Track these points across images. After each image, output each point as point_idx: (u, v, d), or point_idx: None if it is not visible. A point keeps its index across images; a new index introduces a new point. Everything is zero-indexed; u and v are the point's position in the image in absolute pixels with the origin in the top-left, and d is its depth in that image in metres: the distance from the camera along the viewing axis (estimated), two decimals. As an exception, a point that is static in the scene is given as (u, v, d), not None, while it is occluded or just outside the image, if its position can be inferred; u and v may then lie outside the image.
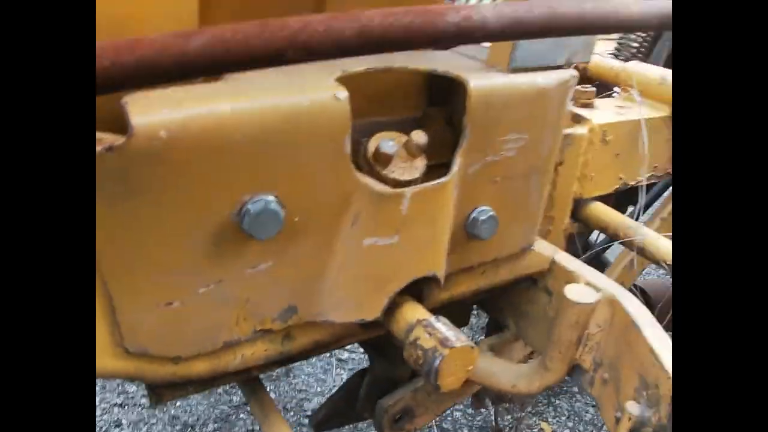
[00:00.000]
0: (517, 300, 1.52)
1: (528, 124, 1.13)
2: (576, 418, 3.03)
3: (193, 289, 0.89)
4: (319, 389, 3.09)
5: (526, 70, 1.11)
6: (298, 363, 3.20)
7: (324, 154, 0.89)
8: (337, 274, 1.00)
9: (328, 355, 3.33)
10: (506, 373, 1.51)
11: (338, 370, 3.23)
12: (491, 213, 1.20)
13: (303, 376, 3.17)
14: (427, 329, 1.04)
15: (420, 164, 1.04)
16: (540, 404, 3.09)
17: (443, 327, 1.05)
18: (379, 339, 1.22)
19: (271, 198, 0.86)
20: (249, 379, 1.33)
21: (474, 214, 1.19)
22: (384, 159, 0.99)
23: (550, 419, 2.99)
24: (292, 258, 0.95)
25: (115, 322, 0.86)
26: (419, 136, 1.01)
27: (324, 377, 3.19)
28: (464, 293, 1.29)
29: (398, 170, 1.01)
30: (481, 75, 1.03)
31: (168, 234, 0.82)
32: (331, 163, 0.90)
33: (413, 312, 1.10)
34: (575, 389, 3.17)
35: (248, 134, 0.81)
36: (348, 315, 1.05)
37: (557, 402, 3.12)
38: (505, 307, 1.57)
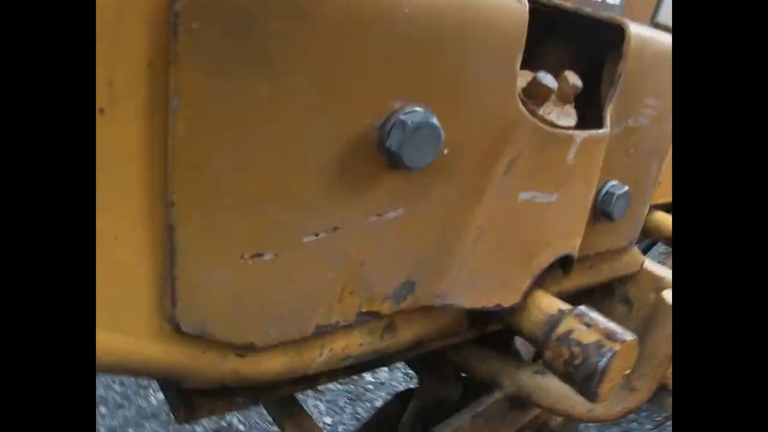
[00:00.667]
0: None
1: (665, 91, 0.92)
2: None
3: (295, 235, 0.57)
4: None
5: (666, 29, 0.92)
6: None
7: (493, 69, 0.63)
8: (476, 240, 0.70)
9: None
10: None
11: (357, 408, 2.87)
12: (626, 189, 0.93)
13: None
14: (583, 320, 0.75)
15: (572, 111, 0.77)
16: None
17: (602, 318, 0.77)
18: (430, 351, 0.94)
19: (428, 111, 0.57)
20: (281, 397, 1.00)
21: (608, 188, 0.92)
22: (543, 94, 0.71)
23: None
24: (429, 208, 0.65)
25: (168, 281, 0.54)
26: (574, 77, 0.75)
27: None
28: (563, 290, 1.01)
29: (554, 113, 0.74)
30: (630, 23, 0.84)
31: (281, 140, 0.52)
32: (498, 83, 0.64)
33: (548, 301, 0.81)
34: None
35: (416, 17, 0.54)
36: (481, 298, 0.75)
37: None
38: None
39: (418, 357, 1.30)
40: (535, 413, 1.49)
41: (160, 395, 2.72)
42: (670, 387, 1.25)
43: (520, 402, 1.32)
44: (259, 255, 0.56)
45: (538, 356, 1.72)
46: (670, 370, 1.23)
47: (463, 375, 1.38)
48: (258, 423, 2.67)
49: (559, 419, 1.74)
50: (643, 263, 1.23)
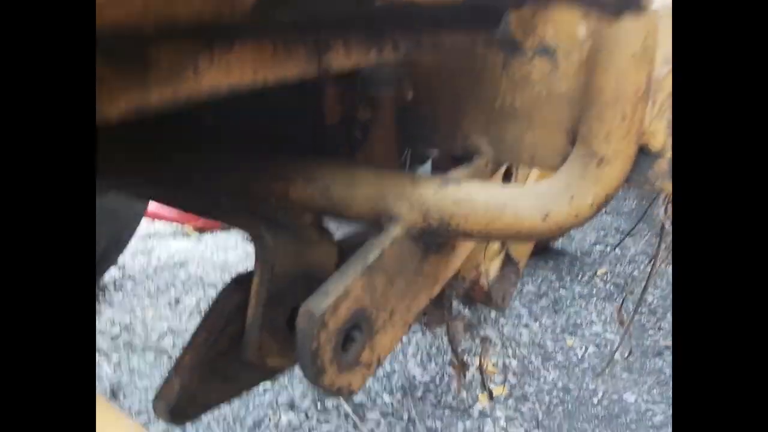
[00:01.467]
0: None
1: None
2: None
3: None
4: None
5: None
6: (127, 378, 2.21)
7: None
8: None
9: (166, 359, 2.36)
10: (525, 198, 0.76)
11: None
12: None
13: (137, 394, 2.17)
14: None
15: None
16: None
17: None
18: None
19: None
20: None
21: None
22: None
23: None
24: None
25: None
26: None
27: None
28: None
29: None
30: None
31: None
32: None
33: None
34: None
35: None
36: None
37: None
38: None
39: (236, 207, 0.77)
40: (458, 260, 0.98)
41: None
42: (654, 148, 0.82)
43: (430, 237, 0.82)
44: None
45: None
46: (649, 122, 0.80)
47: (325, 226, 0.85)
48: None
49: (492, 274, 1.26)
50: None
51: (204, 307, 2.74)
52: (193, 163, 0.78)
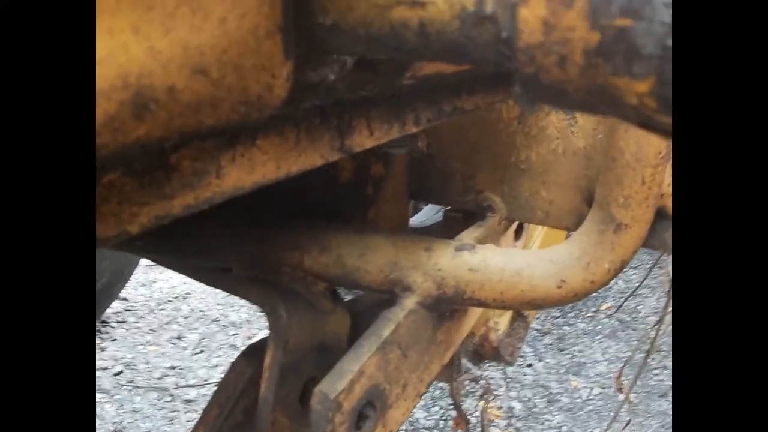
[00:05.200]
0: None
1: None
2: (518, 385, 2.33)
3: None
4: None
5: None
6: (129, 419, 2.19)
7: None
8: None
9: (169, 398, 2.33)
10: (541, 264, 0.76)
11: (189, 414, 2.25)
12: None
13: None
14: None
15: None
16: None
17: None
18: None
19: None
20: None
21: None
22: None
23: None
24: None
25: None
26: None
27: (171, 428, 2.18)
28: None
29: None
30: None
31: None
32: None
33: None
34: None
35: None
36: None
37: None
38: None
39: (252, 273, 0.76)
40: (470, 323, 0.98)
41: None
42: (671, 211, 0.82)
43: (445, 305, 0.81)
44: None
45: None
46: (669, 183, 0.79)
47: (340, 292, 0.85)
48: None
49: (501, 330, 1.25)
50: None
51: (206, 344, 2.73)
52: (199, 230, 0.77)
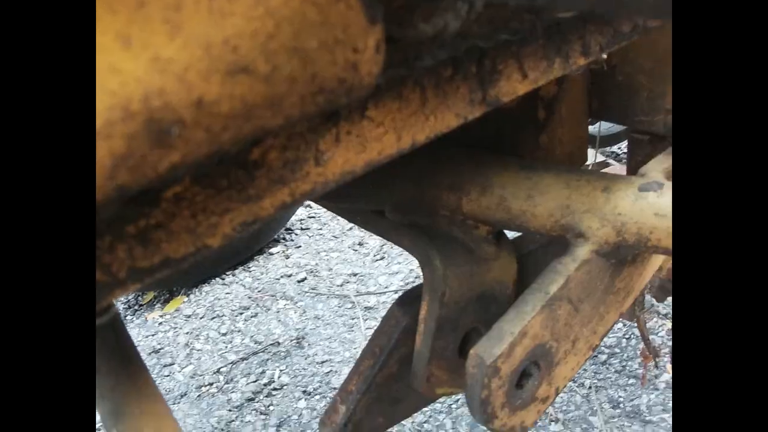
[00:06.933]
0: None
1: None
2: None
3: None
4: (347, 354, 2.19)
5: None
6: (312, 325, 2.31)
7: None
8: None
9: (349, 305, 2.42)
10: None
11: (368, 322, 2.32)
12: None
13: (321, 343, 2.26)
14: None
15: None
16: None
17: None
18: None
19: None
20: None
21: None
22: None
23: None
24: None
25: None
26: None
27: (351, 335, 2.28)
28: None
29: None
30: None
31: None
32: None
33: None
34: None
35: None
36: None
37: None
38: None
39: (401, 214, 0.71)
40: (656, 265, 0.86)
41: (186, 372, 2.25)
42: None
43: (625, 251, 0.71)
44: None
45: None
46: None
47: (504, 234, 0.77)
48: (305, 369, 2.15)
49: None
50: None
51: (386, 250, 2.78)
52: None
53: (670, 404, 1.84)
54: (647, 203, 0.68)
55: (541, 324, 0.64)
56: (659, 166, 0.82)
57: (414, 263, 2.67)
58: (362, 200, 0.72)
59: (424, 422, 1.86)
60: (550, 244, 0.85)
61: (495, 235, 0.74)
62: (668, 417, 1.80)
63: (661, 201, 0.68)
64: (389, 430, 0.81)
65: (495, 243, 0.74)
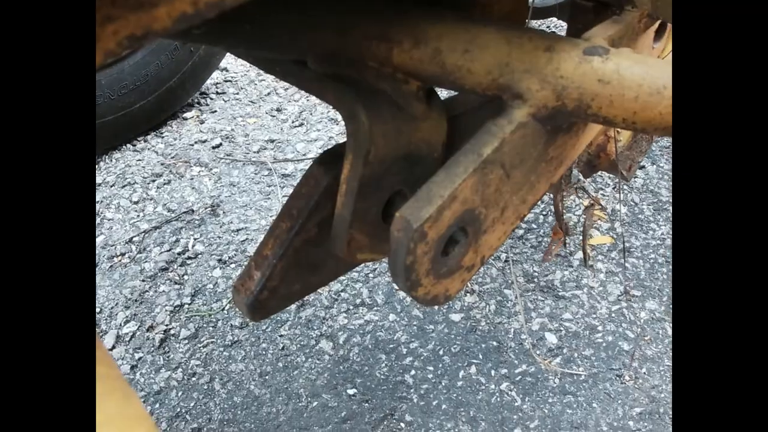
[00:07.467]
0: None
1: None
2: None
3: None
4: (264, 222, 2.14)
5: None
6: (227, 193, 2.23)
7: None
8: None
9: (266, 172, 2.35)
10: None
11: (285, 189, 2.26)
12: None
13: (237, 211, 2.20)
14: None
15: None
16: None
17: None
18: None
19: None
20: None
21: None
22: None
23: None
24: None
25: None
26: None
27: (267, 203, 2.22)
28: None
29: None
30: None
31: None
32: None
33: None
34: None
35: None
36: None
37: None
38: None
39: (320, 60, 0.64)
40: (590, 137, 0.83)
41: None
42: None
43: (562, 120, 0.67)
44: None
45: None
46: None
47: (435, 92, 0.71)
48: (220, 237, 2.10)
49: (622, 141, 1.09)
50: None
51: (305, 117, 2.68)
52: (266, 15, 0.63)
53: (584, 281, 1.91)
54: (591, 68, 0.63)
55: (471, 188, 0.60)
56: (604, 33, 0.77)
57: (333, 130, 2.59)
58: (278, 48, 0.64)
59: (341, 291, 1.86)
60: (482, 108, 0.80)
61: (426, 93, 0.68)
62: (581, 293, 1.87)
63: (606, 67, 0.63)
64: (305, 297, 0.78)
65: (425, 101, 0.68)
